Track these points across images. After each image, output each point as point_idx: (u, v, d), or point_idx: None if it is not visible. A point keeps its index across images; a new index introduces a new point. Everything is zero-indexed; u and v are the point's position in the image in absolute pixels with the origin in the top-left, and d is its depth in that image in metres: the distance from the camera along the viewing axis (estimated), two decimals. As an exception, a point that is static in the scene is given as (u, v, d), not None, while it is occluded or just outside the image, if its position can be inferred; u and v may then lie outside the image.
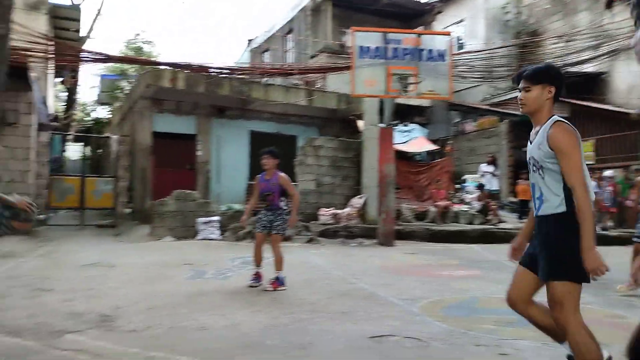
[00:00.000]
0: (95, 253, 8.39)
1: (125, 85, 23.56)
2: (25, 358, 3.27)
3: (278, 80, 16.96)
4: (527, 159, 2.78)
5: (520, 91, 2.71)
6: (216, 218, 10.57)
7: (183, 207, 10.61)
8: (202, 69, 13.70)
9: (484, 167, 14.59)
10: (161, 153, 13.34)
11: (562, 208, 2.54)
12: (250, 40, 26.71)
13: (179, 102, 13.86)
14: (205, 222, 10.38)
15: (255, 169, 14.60)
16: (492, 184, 13.97)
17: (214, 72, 14.08)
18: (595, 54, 15.77)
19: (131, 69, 23.17)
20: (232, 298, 5.26)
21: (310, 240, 10.28)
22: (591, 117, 14.79)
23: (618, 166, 13.68)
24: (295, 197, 6.01)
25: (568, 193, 2.52)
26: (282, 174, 5.98)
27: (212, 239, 10.19)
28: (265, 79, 16.34)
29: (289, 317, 4.51)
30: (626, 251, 10.32)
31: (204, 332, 3.98)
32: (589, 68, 15.98)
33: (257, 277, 5.90)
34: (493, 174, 14.39)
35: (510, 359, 3.51)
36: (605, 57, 15.51)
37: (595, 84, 15.90)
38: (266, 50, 24.56)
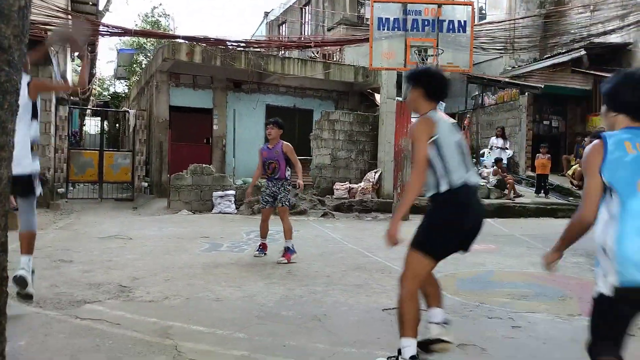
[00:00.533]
0: (114, 226, 8.55)
1: (143, 59, 23.62)
2: (46, 327, 3.36)
3: (295, 54, 16.80)
4: None
5: None
6: (231, 192, 10.65)
7: (199, 181, 10.71)
8: (219, 42, 13.61)
9: (494, 141, 14.45)
10: (178, 127, 13.42)
11: (435, 190, 2.79)
12: (267, 13, 26.41)
13: (196, 76, 13.86)
14: (221, 196, 10.47)
15: (271, 142, 14.67)
16: (500, 155, 13.86)
17: (230, 45, 13.99)
18: (621, 24, 15.22)
19: (148, 43, 23.16)
20: (247, 270, 5.32)
21: (325, 215, 10.30)
22: (615, 90, 14.38)
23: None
24: (297, 165, 6.07)
25: (436, 178, 2.77)
26: (286, 143, 6.04)
27: (227, 213, 10.29)
28: (282, 52, 16.20)
29: (304, 289, 4.55)
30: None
31: (220, 303, 4.05)
32: (615, 39, 15.45)
33: (263, 247, 6.11)
34: (502, 148, 14.26)
35: (523, 331, 3.50)
36: (632, 27, 14.96)
37: (620, 55, 15.39)
38: (283, 23, 24.26)
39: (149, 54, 22.23)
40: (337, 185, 11.90)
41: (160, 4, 43.25)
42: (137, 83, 18.41)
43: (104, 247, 6.50)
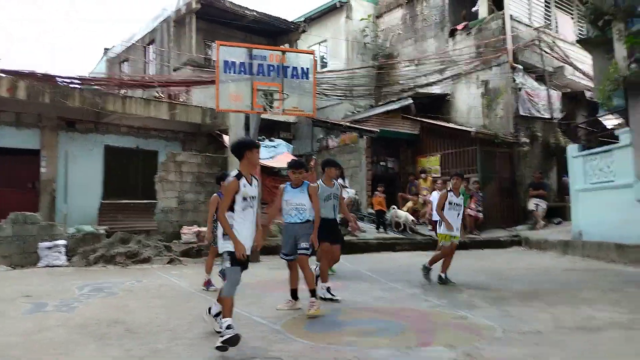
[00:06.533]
0: None
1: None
2: None
3: (138, 93, 16.05)
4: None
5: None
6: (62, 242, 9.52)
7: (22, 231, 9.41)
8: (47, 77, 12.43)
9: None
10: (-3, 170, 11.76)
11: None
12: (107, 49, 25.01)
13: (20, 113, 12.40)
14: (49, 247, 9.30)
15: (110, 185, 13.59)
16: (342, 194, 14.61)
17: (61, 81, 12.85)
18: (440, 77, 17.45)
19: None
20: (78, 332, 4.72)
21: (171, 261, 9.72)
22: (438, 134, 16.24)
23: (461, 179, 15.14)
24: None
25: None
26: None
27: (57, 266, 9.16)
28: (124, 90, 15.36)
29: (144, 348, 4.16)
30: (466, 255, 11.38)
31: (40, 376, 3.49)
32: (436, 90, 17.60)
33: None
34: (343, 186, 15.08)
35: (368, 369, 3.59)
36: (448, 80, 17.24)
37: (441, 104, 17.55)
38: (125, 61, 23.19)
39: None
40: (185, 230, 11.38)
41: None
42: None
43: None
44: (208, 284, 7.04)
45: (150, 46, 21.31)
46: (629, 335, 4.49)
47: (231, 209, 4.28)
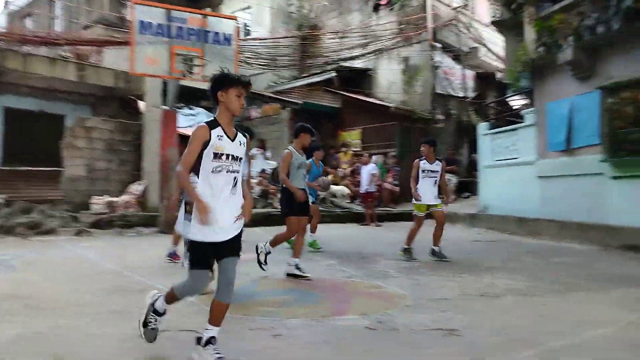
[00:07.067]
0: None
1: None
2: None
3: (42, 51, 14.75)
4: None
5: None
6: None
7: None
8: None
9: (255, 151, 15.13)
10: None
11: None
12: (7, 2, 22.82)
13: None
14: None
15: (10, 151, 12.51)
16: (264, 166, 14.60)
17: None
18: (363, 52, 17.61)
19: None
20: (-31, 309, 4.34)
21: (79, 233, 9.20)
22: (359, 109, 16.49)
23: (379, 152, 15.58)
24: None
25: None
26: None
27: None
28: (26, 47, 14.05)
29: (47, 323, 3.91)
30: (381, 227, 11.77)
31: None
32: (359, 64, 17.76)
33: None
34: (264, 157, 15.07)
35: (283, 339, 3.62)
36: (371, 54, 17.44)
37: (363, 78, 17.77)
38: (28, 15, 21.27)
39: None
40: (95, 199, 10.78)
41: None
42: None
43: None
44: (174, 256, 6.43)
45: (57, 0, 19.64)
46: (523, 300, 4.88)
47: (196, 169, 3.01)
